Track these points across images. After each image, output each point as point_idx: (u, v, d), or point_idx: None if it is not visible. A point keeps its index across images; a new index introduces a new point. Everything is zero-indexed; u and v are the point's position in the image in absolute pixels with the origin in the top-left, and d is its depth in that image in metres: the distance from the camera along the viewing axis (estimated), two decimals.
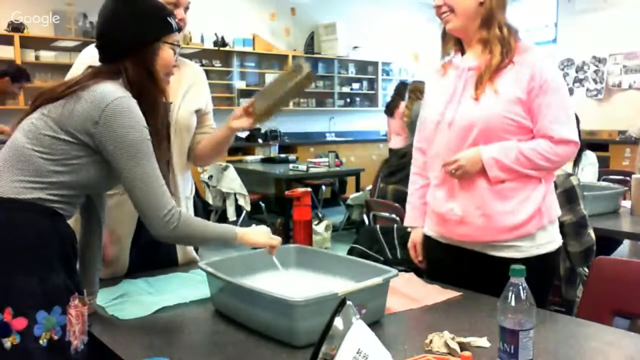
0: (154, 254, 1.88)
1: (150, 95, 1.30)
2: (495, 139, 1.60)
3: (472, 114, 1.61)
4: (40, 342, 1.12)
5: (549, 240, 1.66)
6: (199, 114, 1.93)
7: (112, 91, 1.23)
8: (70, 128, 1.21)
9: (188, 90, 1.91)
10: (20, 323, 1.09)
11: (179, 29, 1.39)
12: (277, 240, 1.50)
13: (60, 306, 1.15)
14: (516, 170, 1.59)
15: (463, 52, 1.73)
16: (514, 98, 1.57)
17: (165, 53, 1.34)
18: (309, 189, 2.00)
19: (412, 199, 1.93)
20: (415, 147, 1.93)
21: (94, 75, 1.27)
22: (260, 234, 1.48)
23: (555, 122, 1.58)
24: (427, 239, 1.85)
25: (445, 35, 1.75)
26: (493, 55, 1.61)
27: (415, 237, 1.92)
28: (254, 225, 1.51)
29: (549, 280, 1.74)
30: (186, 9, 1.81)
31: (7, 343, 1.08)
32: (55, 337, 1.14)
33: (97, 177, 1.27)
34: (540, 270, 1.60)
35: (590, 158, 3.75)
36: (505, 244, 1.63)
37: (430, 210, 1.80)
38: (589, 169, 3.70)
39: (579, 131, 3.42)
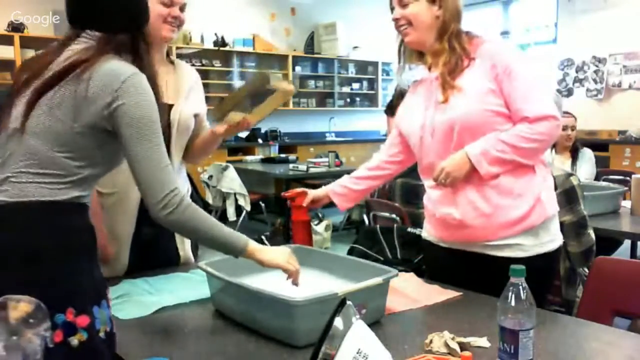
0: (154, 254, 1.89)
1: (149, 70, 1.26)
2: (480, 134, 1.61)
3: (447, 117, 1.63)
4: (100, 335, 1.15)
5: (552, 239, 1.66)
6: (197, 118, 1.94)
7: (125, 67, 1.19)
8: (87, 114, 1.15)
9: (189, 93, 1.92)
10: (83, 320, 1.11)
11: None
12: (296, 266, 1.35)
13: (104, 299, 1.18)
14: (505, 159, 1.58)
15: (428, 64, 1.76)
16: (486, 90, 1.60)
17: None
18: (305, 189, 1.98)
19: (344, 180, 1.94)
20: (379, 152, 1.96)
21: (98, 50, 1.20)
22: (278, 253, 1.33)
23: (526, 102, 1.58)
24: (427, 244, 1.85)
25: (403, 48, 1.79)
26: (446, 62, 1.65)
27: (315, 193, 1.93)
28: (272, 247, 1.35)
29: (549, 280, 1.74)
30: (181, 9, 1.81)
31: (75, 341, 1.09)
32: (108, 329, 1.17)
33: (115, 161, 1.26)
34: (542, 269, 1.60)
35: (586, 155, 3.77)
36: (508, 242, 1.62)
37: (430, 214, 1.80)
38: (586, 166, 3.72)
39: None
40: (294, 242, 1.94)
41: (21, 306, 1.01)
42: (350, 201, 1.95)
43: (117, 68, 1.18)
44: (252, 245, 1.31)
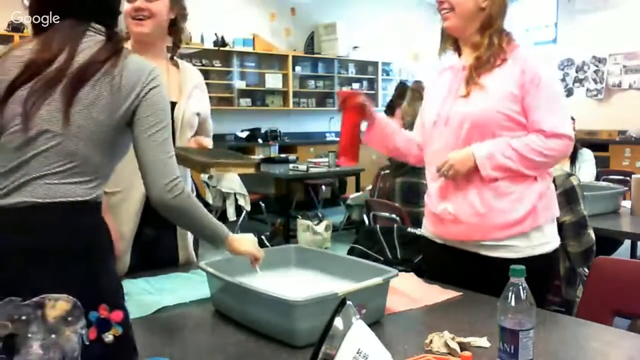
0: (154, 254, 1.89)
1: None
2: (489, 135, 1.61)
3: (463, 110, 1.64)
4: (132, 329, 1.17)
5: (545, 242, 1.65)
6: (199, 117, 1.95)
7: (145, 60, 1.23)
8: (122, 108, 1.16)
9: (192, 91, 1.93)
10: (117, 315, 1.11)
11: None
12: (262, 252, 1.47)
13: (124, 293, 1.19)
14: (510, 167, 1.59)
15: (460, 52, 1.75)
16: (508, 94, 1.59)
17: None
18: (360, 93, 1.87)
19: (397, 128, 1.93)
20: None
21: (116, 45, 1.21)
22: (248, 241, 1.45)
23: (546, 115, 1.59)
24: (425, 240, 1.85)
25: (444, 33, 1.77)
26: (480, 56, 1.65)
27: (370, 107, 1.87)
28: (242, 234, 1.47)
29: (545, 282, 1.73)
30: None
31: (109, 337, 1.09)
32: (130, 323, 1.17)
33: (122, 155, 1.27)
34: (535, 271, 1.60)
35: (585, 155, 3.77)
36: (500, 243, 1.63)
37: (429, 211, 1.80)
38: (586, 166, 3.72)
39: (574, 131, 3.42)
40: (340, 144, 1.90)
41: (60, 304, 1.01)
42: (379, 142, 1.94)
43: (141, 60, 1.22)
44: (231, 235, 1.40)
